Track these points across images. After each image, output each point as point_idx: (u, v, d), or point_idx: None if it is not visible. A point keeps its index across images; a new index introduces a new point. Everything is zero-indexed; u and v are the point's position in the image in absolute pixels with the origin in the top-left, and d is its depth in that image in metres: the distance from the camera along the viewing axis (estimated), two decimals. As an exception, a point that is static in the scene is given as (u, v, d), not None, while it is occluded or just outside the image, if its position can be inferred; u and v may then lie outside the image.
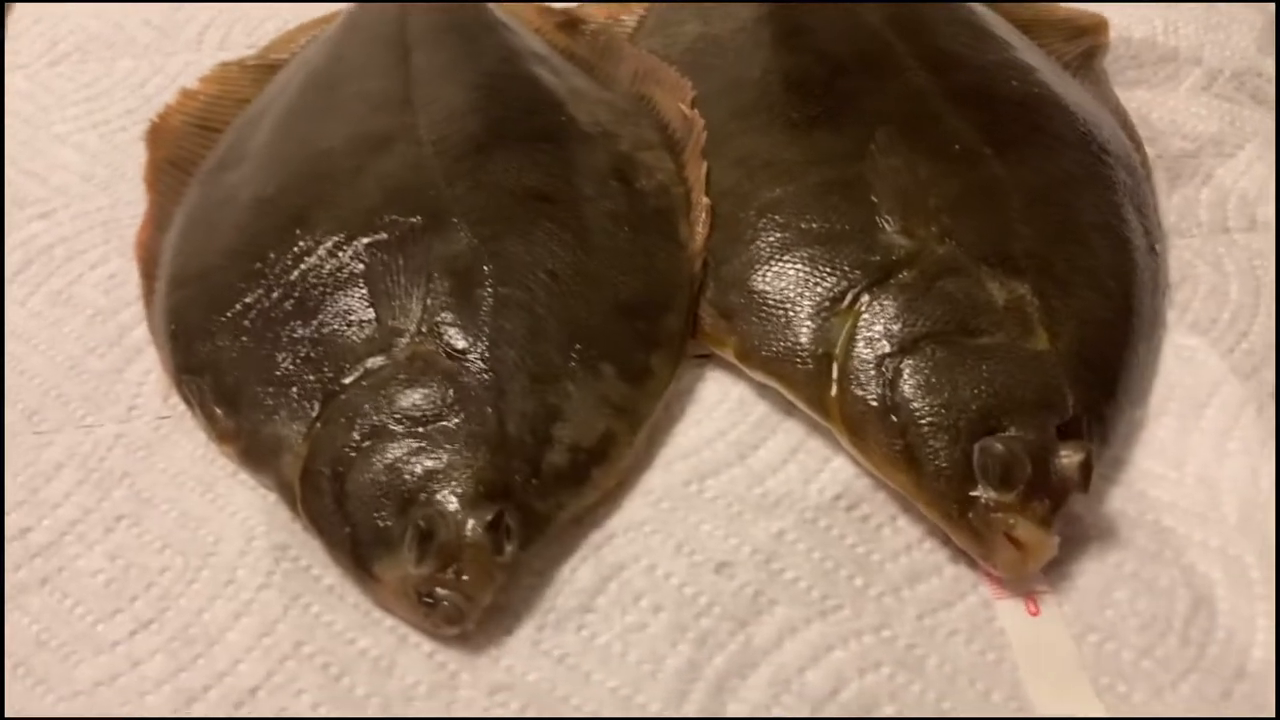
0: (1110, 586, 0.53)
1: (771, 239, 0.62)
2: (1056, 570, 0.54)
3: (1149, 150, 0.74)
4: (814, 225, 0.61)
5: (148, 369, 0.63)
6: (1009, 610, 0.52)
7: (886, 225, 0.60)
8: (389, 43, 0.76)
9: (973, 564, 0.54)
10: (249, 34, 0.86)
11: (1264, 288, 0.66)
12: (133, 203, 0.72)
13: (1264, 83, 0.80)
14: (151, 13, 0.87)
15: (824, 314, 0.58)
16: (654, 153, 0.68)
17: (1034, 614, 0.52)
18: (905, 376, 0.55)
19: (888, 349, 0.56)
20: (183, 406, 0.60)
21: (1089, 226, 0.62)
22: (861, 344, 0.57)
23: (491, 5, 0.83)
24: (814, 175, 0.64)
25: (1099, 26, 0.83)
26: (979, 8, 0.80)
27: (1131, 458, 0.58)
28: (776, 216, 0.62)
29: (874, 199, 0.61)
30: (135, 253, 0.67)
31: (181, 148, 0.74)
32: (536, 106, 0.70)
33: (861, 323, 0.57)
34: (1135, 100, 0.79)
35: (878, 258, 0.59)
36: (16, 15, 0.88)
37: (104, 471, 0.59)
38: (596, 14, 0.84)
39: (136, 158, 0.74)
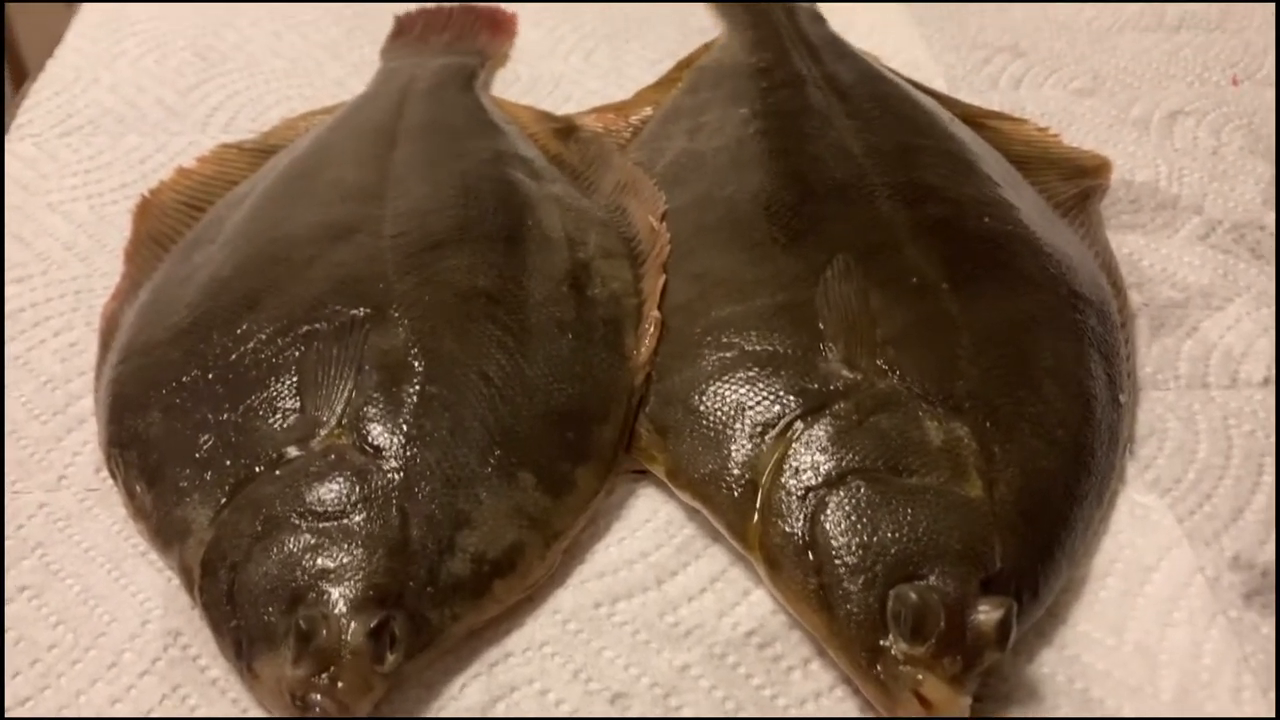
0: (1026, 756, 0.50)
1: (714, 358, 0.60)
2: (971, 733, 0.50)
3: (1136, 297, 0.72)
4: (757, 347, 0.60)
5: (86, 439, 0.63)
6: (912, 771, 0.49)
7: (829, 354, 0.59)
8: (379, 133, 0.78)
9: (882, 718, 0.51)
10: (254, 119, 0.88)
11: (1236, 449, 0.63)
12: (108, 274, 0.73)
13: (1265, 236, 0.78)
14: (166, 91, 0.90)
15: (755, 439, 0.57)
16: (613, 261, 0.68)
17: (939, 778, 0.49)
18: (827, 512, 0.53)
19: (813, 481, 0.54)
20: (111, 480, 0.60)
21: (1044, 371, 0.59)
22: (788, 474, 0.55)
23: (490, 106, 0.85)
24: (765, 297, 0.63)
25: (1101, 168, 0.81)
26: (975, 140, 0.79)
27: (1069, 618, 0.55)
28: (723, 335, 0.61)
29: (820, 325, 0.60)
30: (99, 323, 0.68)
31: (166, 224, 0.75)
32: (504, 208, 0.70)
33: (791, 452, 0.55)
34: (1128, 245, 0.77)
35: (816, 386, 0.58)
36: (39, 85, 0.91)
37: (19, 539, 0.58)
38: (594, 124, 0.85)
39: (121, 230, 0.75)
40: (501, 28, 0.98)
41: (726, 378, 0.59)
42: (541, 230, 0.68)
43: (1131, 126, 0.88)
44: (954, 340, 0.60)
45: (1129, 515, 0.59)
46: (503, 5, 1.00)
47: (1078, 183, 0.80)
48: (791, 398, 0.57)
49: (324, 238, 0.66)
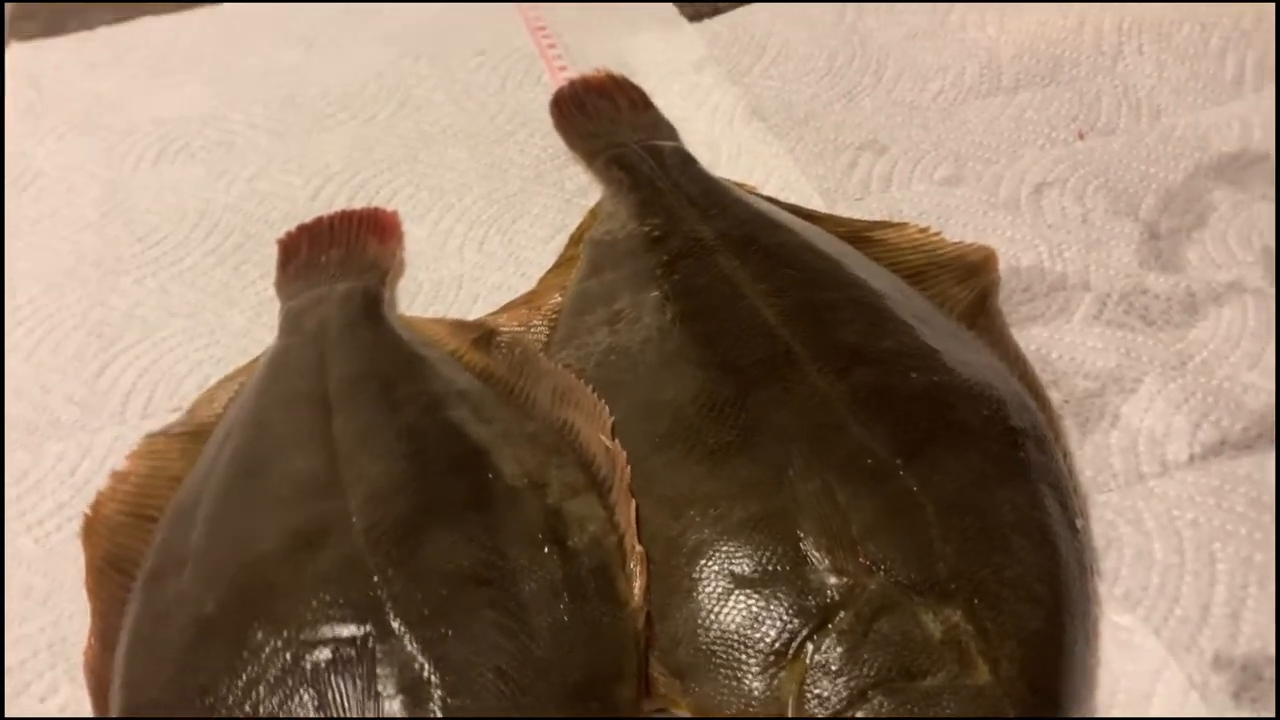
0: None
1: (708, 589, 0.63)
2: None
3: (1055, 394, 0.77)
4: (746, 570, 0.63)
5: (110, 815, 0.63)
6: None
7: (816, 562, 0.62)
8: (311, 402, 0.78)
9: None
10: (171, 394, 0.87)
11: (1186, 542, 0.68)
12: (75, 615, 0.72)
13: (1150, 299, 0.84)
14: (73, 385, 0.88)
15: (771, 669, 0.60)
16: (582, 499, 0.70)
17: None
18: (858, 734, 0.56)
19: (838, 706, 0.57)
20: None
21: (1009, 528, 0.63)
22: (812, 702, 0.58)
23: (407, 334, 0.85)
24: (738, 511, 0.65)
25: (988, 261, 0.86)
26: (874, 272, 0.83)
27: (1089, 763, 0.59)
28: (709, 563, 0.64)
29: (799, 533, 0.63)
30: (84, 678, 0.67)
31: (118, 544, 0.74)
32: (462, 465, 0.71)
33: (809, 678, 0.59)
34: (1034, 340, 0.82)
35: (812, 601, 0.61)
36: (-63, 409, 0.88)
37: None
38: (509, 324, 0.86)
39: (74, 560, 0.74)
40: (387, 231, 0.98)
41: (726, 609, 0.62)
42: (504, 482, 0.70)
43: (1004, 210, 0.93)
44: (922, 520, 0.63)
45: (1114, 641, 0.64)
46: (380, 206, 1.00)
47: (972, 283, 0.84)
48: (795, 620, 0.60)
49: (297, 548, 0.67)
